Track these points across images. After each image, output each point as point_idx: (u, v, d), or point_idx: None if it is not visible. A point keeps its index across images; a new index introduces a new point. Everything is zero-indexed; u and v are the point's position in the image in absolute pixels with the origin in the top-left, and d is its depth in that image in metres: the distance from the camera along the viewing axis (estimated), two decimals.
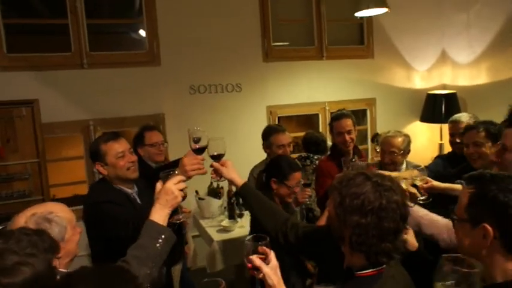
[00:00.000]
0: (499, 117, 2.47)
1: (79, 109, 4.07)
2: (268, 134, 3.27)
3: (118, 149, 2.22)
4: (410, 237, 1.67)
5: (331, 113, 3.78)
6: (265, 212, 1.87)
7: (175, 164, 1.92)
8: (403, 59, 5.31)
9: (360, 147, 3.67)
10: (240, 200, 3.77)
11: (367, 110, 5.30)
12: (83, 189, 4.16)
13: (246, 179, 1.98)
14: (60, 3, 4.00)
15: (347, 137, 3.06)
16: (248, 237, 1.43)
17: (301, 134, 4.47)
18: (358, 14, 3.90)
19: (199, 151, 1.85)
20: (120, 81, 4.20)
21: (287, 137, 3.24)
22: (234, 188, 3.67)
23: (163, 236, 1.57)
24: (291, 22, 5.10)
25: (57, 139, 4.35)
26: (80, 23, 4.03)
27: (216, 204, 3.97)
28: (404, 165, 2.93)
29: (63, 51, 4.04)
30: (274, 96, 4.80)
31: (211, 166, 1.90)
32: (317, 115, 5.08)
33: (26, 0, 4.27)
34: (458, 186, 2.16)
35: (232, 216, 3.76)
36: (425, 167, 2.39)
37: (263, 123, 4.47)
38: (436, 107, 5.03)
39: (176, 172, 1.69)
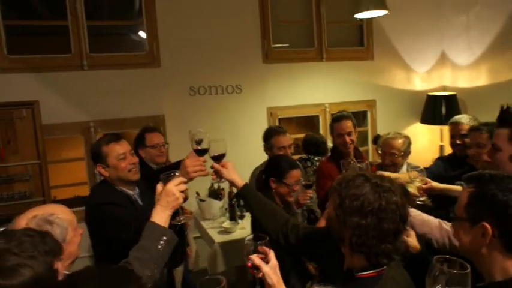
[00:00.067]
0: None
1: (79, 110, 4.07)
2: (269, 136, 3.27)
3: (119, 151, 2.22)
4: (412, 240, 1.67)
5: (332, 114, 3.78)
6: (265, 213, 1.88)
7: (177, 165, 1.92)
8: (403, 61, 5.32)
9: (361, 148, 3.67)
10: (241, 202, 3.77)
11: (368, 112, 5.30)
12: (84, 191, 4.17)
13: (246, 181, 1.98)
14: (60, 5, 4.00)
15: (347, 138, 3.06)
16: (248, 237, 1.44)
17: (302, 135, 4.48)
18: (358, 16, 3.90)
19: (201, 152, 1.85)
20: (120, 83, 4.20)
21: (288, 139, 3.24)
22: (234, 190, 3.67)
23: (164, 238, 1.57)
24: (290, 23, 5.11)
25: (58, 140, 4.35)
26: (80, 24, 4.03)
27: (217, 205, 3.98)
28: (404, 167, 2.93)
29: (64, 52, 4.04)
30: (274, 98, 4.80)
31: (212, 167, 1.91)
32: (317, 117, 5.08)
33: (26, 1, 4.27)
34: (457, 187, 2.18)
35: (233, 218, 3.76)
36: (426, 168, 2.40)
37: (263, 125, 4.48)
38: (436, 109, 5.03)
39: (177, 174, 1.69)
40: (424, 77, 5.44)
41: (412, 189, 2.23)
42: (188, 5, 4.36)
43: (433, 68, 5.45)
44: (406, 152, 2.91)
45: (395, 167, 2.92)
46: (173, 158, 3.30)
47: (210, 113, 4.49)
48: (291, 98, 4.87)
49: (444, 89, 5.41)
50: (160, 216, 1.60)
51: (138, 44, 4.60)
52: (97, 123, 4.14)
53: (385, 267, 1.32)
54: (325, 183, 2.92)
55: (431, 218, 1.93)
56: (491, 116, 2.71)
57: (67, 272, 1.34)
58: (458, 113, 4.35)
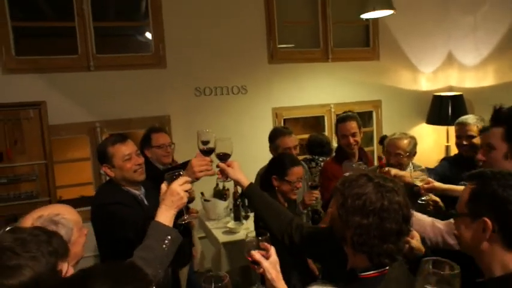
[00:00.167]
0: None
1: (85, 111, 4.09)
2: (275, 137, 3.27)
3: (125, 152, 2.23)
4: (416, 242, 1.66)
5: (337, 115, 3.78)
6: (270, 212, 1.88)
7: (184, 166, 1.93)
8: (409, 61, 5.30)
9: (366, 149, 3.66)
10: (246, 202, 3.78)
11: (373, 112, 5.28)
12: (90, 191, 4.19)
13: (252, 181, 1.99)
14: (67, 7, 4.03)
15: (351, 139, 3.05)
16: (249, 233, 1.46)
17: (307, 136, 4.48)
18: (364, 16, 3.90)
19: (207, 152, 1.86)
20: (126, 84, 4.22)
21: (293, 140, 3.23)
22: (239, 190, 3.67)
23: (169, 237, 1.57)
24: (296, 24, 5.10)
25: (64, 141, 4.37)
26: (86, 25, 4.06)
27: (222, 205, 3.99)
28: (410, 167, 2.92)
29: (70, 53, 4.07)
30: (280, 98, 4.80)
31: (218, 166, 1.91)
32: (323, 117, 5.08)
33: (34, 3, 4.30)
34: (459, 188, 2.17)
35: (237, 218, 3.77)
36: (431, 169, 2.39)
37: (268, 125, 4.48)
38: (443, 109, 5.01)
39: (181, 173, 1.70)
40: (430, 77, 5.42)
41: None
42: (194, 7, 4.37)
43: (439, 69, 5.42)
44: (412, 153, 2.90)
45: (401, 167, 2.90)
46: (179, 158, 3.31)
47: (216, 113, 4.50)
48: (297, 99, 4.86)
49: (450, 89, 5.38)
50: (165, 215, 1.60)
51: (144, 45, 4.61)
52: (103, 124, 4.16)
53: (387, 267, 1.31)
54: (330, 184, 2.91)
55: (424, 216, 1.96)
56: None
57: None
58: (465, 113, 4.32)
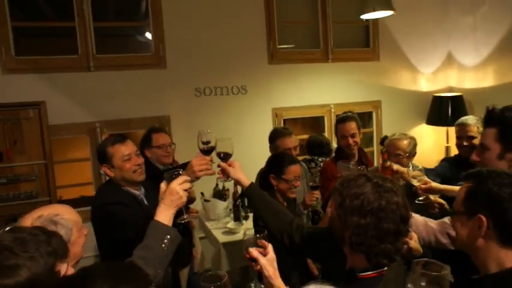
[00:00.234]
0: None
1: (85, 111, 4.09)
2: (275, 137, 3.26)
3: (124, 152, 2.23)
4: (414, 243, 1.67)
5: (337, 115, 3.78)
6: (270, 212, 1.88)
7: (184, 166, 1.93)
8: (408, 62, 5.30)
9: (366, 149, 3.66)
10: (246, 202, 3.78)
11: (373, 113, 5.29)
12: (89, 191, 4.20)
13: (252, 181, 1.99)
14: (67, 7, 4.03)
15: (350, 140, 3.06)
16: (247, 231, 1.48)
17: (307, 136, 4.49)
18: (364, 17, 3.90)
19: (208, 152, 1.86)
20: (126, 84, 4.22)
21: (293, 140, 3.23)
22: (239, 190, 3.68)
23: (168, 237, 1.57)
24: (296, 24, 5.10)
25: (64, 141, 4.38)
26: (86, 25, 4.06)
27: (222, 206, 3.98)
28: (410, 168, 2.92)
29: (70, 53, 4.07)
30: (280, 99, 4.80)
31: (219, 166, 1.91)
32: (322, 117, 5.08)
33: (34, 3, 4.30)
34: (456, 188, 2.18)
35: (237, 218, 3.77)
36: (431, 169, 2.39)
37: (268, 126, 4.49)
38: (442, 110, 5.01)
39: (181, 172, 1.70)
40: (430, 78, 5.42)
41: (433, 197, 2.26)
42: (194, 7, 4.37)
43: (439, 69, 5.43)
44: (411, 153, 2.90)
45: None
46: (179, 159, 3.31)
47: (216, 113, 4.50)
48: (296, 99, 4.87)
49: (450, 90, 5.39)
50: (164, 215, 1.60)
51: (144, 45, 4.61)
52: (103, 124, 4.16)
53: (386, 268, 1.31)
54: (329, 184, 2.91)
55: (417, 216, 1.98)
56: None
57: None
58: (465, 114, 4.33)
